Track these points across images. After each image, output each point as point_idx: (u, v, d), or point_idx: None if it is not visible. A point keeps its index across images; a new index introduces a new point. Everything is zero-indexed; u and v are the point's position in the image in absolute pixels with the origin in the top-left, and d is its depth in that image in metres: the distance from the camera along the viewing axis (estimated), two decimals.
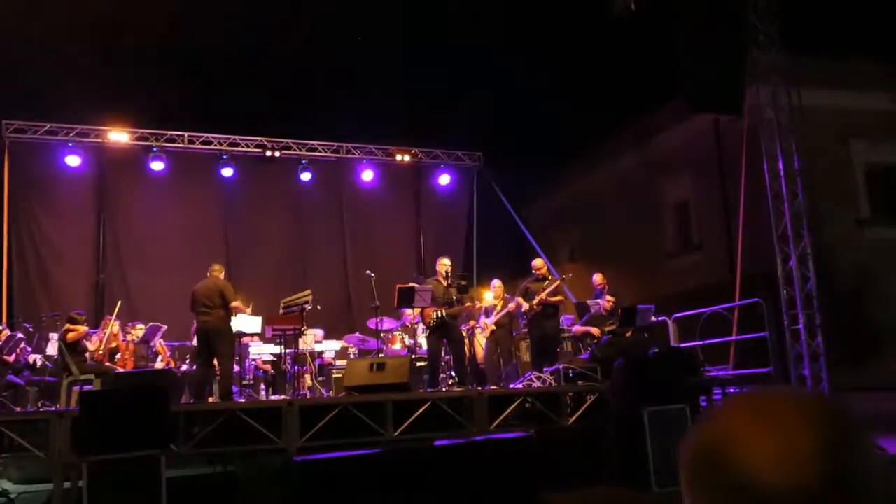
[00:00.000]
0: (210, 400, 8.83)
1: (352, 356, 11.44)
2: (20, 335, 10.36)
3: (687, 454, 0.79)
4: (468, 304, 10.49)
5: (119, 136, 13.72)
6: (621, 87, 16.12)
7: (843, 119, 13.58)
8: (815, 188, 11.01)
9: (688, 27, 10.57)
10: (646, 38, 12.57)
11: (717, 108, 11.75)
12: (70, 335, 9.20)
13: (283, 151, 14.72)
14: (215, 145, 14.28)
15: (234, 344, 9.59)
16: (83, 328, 9.47)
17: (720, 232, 14.44)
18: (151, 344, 10.63)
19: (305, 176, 14.67)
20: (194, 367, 9.75)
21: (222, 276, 9.40)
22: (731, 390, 9.76)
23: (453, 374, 10.12)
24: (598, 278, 10.87)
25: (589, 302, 11.10)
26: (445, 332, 9.60)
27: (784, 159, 10.63)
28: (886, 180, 14.55)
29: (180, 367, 10.70)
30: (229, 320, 9.15)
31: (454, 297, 9.68)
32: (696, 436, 0.80)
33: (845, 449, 0.74)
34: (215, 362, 9.05)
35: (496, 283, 11.35)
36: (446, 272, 9.90)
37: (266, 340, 10.99)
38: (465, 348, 10.58)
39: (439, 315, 9.53)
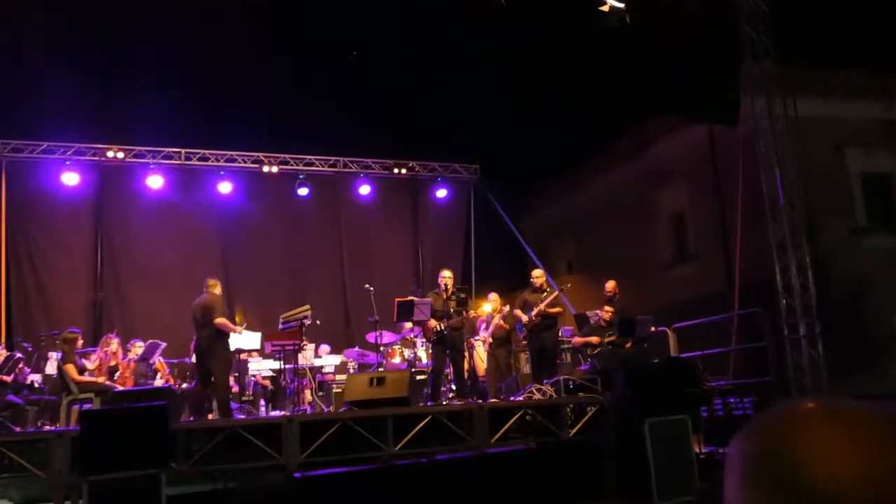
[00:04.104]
0: (210, 417, 8.80)
1: (351, 371, 11.42)
2: (19, 355, 10.33)
3: (752, 450, 0.76)
4: (470, 313, 10.49)
5: (116, 154, 13.73)
6: (616, 99, 16.17)
7: (838, 128, 13.62)
8: (811, 198, 11.04)
9: (682, 38, 10.64)
10: (640, 50, 12.62)
11: (711, 118, 11.81)
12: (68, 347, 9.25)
13: (281, 166, 14.75)
14: (213, 161, 14.30)
15: (229, 359, 9.49)
16: (79, 342, 9.55)
17: (716, 242, 14.46)
18: (151, 361, 10.60)
19: (303, 191, 14.69)
20: (194, 384, 9.73)
21: (217, 290, 9.34)
22: (732, 400, 9.76)
23: (453, 386, 10.11)
24: (609, 285, 10.90)
25: (588, 313, 11.11)
26: (447, 344, 9.60)
27: (781, 170, 10.67)
28: (882, 189, 14.58)
29: (180, 384, 10.67)
30: (222, 335, 9.09)
31: (452, 310, 9.68)
32: (765, 432, 0.76)
33: None
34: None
35: (493, 296, 11.37)
36: (446, 285, 9.90)
37: (265, 356, 10.98)
38: (465, 362, 10.58)
39: (440, 328, 9.53)
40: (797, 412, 0.77)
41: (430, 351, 9.99)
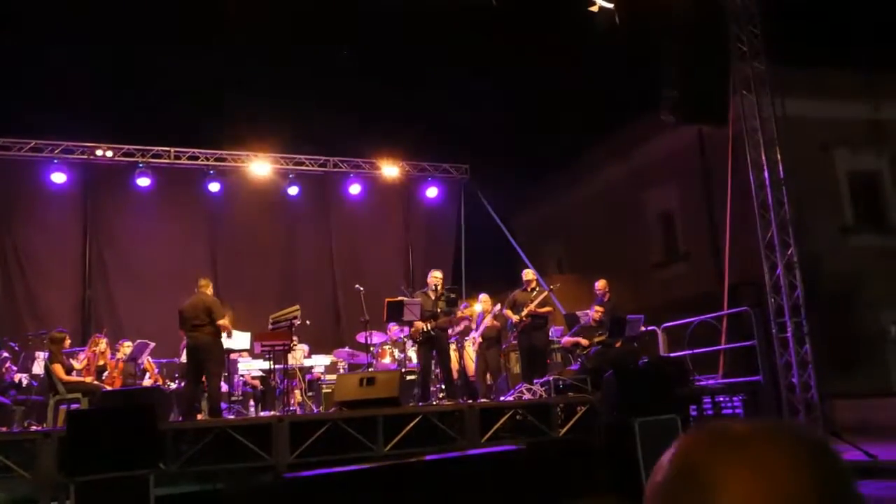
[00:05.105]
0: (199, 417, 8.76)
1: (341, 371, 11.39)
2: (6, 354, 10.27)
3: (668, 472, 0.77)
4: (459, 314, 10.48)
5: (104, 153, 13.64)
6: (605, 98, 16.21)
7: (825, 128, 13.72)
8: (799, 197, 11.10)
9: (671, 38, 10.66)
10: (630, 49, 12.66)
11: (701, 118, 11.84)
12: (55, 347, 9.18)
13: (271, 166, 14.70)
14: (202, 160, 14.23)
15: (224, 361, 9.53)
16: (67, 341, 9.49)
17: (706, 241, 14.53)
18: (139, 361, 10.55)
19: (293, 190, 14.65)
20: (183, 384, 9.68)
21: (210, 290, 9.31)
22: (721, 399, 9.80)
23: (443, 386, 10.11)
24: (600, 284, 10.92)
25: (578, 313, 11.13)
26: (434, 345, 9.59)
27: (769, 169, 10.71)
28: (868, 188, 14.69)
29: (168, 384, 10.63)
30: (219, 336, 9.07)
31: (439, 310, 9.66)
32: (681, 455, 0.77)
33: (833, 498, 0.71)
34: (204, 379, 8.98)
35: (484, 296, 11.37)
36: (436, 285, 9.90)
37: (255, 356, 10.93)
38: (455, 361, 10.59)
39: (426, 328, 9.51)
40: (711, 436, 0.77)
41: (417, 351, 9.98)
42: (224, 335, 9.27)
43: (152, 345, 10.61)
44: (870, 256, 13.56)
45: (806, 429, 0.77)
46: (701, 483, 0.73)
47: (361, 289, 10.67)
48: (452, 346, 10.66)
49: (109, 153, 13.67)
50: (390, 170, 15.46)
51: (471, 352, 11.14)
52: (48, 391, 9.11)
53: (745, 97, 10.97)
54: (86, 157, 13.57)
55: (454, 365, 10.66)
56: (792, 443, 0.74)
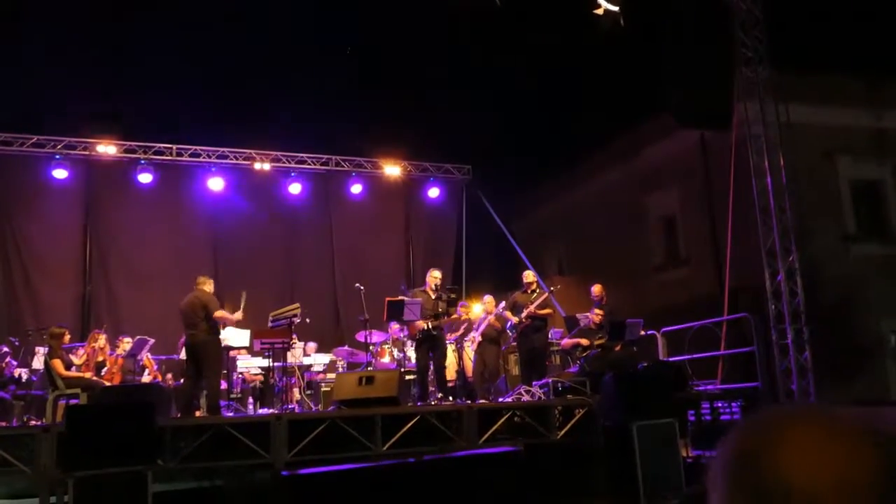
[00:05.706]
0: (197, 414, 8.76)
1: (340, 369, 11.40)
2: (5, 349, 10.28)
3: (733, 453, 0.77)
4: (455, 316, 10.48)
5: (106, 149, 13.65)
6: (609, 101, 16.21)
7: (828, 135, 13.69)
8: (801, 204, 11.09)
9: (676, 43, 10.67)
10: (634, 53, 12.67)
11: (704, 123, 11.85)
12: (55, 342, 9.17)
13: (273, 164, 14.71)
14: (203, 157, 14.24)
15: (222, 358, 9.50)
16: (67, 337, 9.49)
17: (707, 246, 14.50)
18: (138, 358, 10.55)
19: (294, 189, 14.65)
20: (182, 380, 9.68)
21: (208, 287, 9.28)
22: (720, 405, 9.80)
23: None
24: (596, 289, 10.93)
25: (578, 315, 11.13)
26: (432, 344, 9.60)
27: (772, 175, 10.71)
28: (871, 196, 14.66)
29: (168, 380, 10.63)
30: (216, 334, 9.06)
31: (440, 310, 9.66)
32: (746, 436, 0.77)
33: None
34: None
35: (488, 297, 11.37)
36: (436, 285, 9.90)
37: (254, 353, 10.94)
38: (455, 362, 10.59)
39: (427, 327, 9.51)
40: (778, 416, 0.78)
41: (416, 350, 9.98)
42: (221, 329, 9.26)
43: (151, 341, 10.61)
44: (871, 265, 13.54)
45: (886, 424, 0.77)
46: (762, 464, 0.73)
47: (362, 288, 10.66)
48: (452, 348, 10.66)
49: (111, 149, 13.68)
50: (392, 169, 15.47)
51: (470, 353, 11.15)
52: (47, 386, 9.11)
53: (749, 103, 10.97)
54: (87, 153, 13.57)
55: (454, 366, 10.67)
56: (859, 432, 0.74)
